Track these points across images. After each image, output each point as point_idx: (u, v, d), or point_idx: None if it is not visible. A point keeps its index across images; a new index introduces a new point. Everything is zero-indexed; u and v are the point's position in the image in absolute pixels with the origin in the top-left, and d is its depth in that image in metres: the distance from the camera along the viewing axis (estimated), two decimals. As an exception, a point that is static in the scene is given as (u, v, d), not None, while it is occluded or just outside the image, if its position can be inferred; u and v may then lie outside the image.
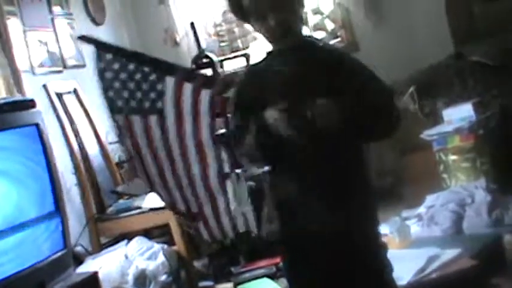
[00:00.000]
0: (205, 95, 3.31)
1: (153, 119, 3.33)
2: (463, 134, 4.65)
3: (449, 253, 3.40)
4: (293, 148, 2.25)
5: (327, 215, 2.28)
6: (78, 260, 4.14)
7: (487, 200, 4.11)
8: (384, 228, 4.11)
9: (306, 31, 5.95)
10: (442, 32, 5.63)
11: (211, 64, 5.01)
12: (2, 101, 3.39)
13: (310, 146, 2.23)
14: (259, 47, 5.59)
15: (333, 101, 2.17)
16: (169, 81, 3.30)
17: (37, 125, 3.33)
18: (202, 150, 3.41)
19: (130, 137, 3.34)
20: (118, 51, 3.35)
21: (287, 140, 2.21)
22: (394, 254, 3.63)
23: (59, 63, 5.08)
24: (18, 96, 4.25)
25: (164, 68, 3.34)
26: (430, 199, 4.45)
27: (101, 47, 3.32)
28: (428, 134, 4.82)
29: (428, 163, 4.81)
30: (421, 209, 4.43)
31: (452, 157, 4.68)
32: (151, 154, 3.37)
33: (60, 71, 5.05)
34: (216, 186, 3.52)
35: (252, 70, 2.52)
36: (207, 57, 5.00)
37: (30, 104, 3.43)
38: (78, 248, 4.34)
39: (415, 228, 4.22)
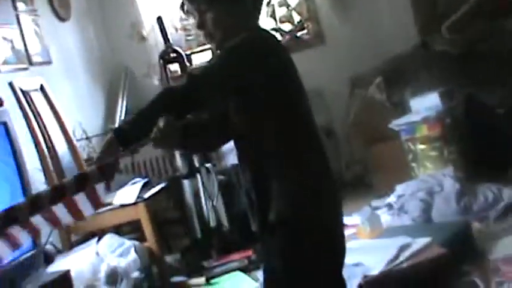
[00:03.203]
0: None
1: None
2: (430, 123, 4.69)
3: (420, 242, 3.42)
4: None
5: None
6: (49, 259, 4.09)
7: (455, 188, 4.16)
8: (354, 218, 4.16)
9: (272, 23, 6.04)
10: (407, 22, 5.67)
11: (179, 58, 5.00)
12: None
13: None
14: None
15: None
16: None
17: (5, 124, 3.28)
18: None
19: None
20: None
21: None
22: (365, 244, 3.69)
23: (24, 61, 5.02)
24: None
25: None
26: (399, 188, 4.48)
27: None
28: (396, 123, 4.85)
29: (396, 152, 4.85)
30: (391, 199, 4.47)
31: (421, 146, 4.72)
32: None
33: (25, 68, 4.99)
34: None
35: None
36: (174, 51, 4.97)
37: (-3, 102, 3.39)
38: (49, 247, 4.30)
39: (385, 218, 4.26)
